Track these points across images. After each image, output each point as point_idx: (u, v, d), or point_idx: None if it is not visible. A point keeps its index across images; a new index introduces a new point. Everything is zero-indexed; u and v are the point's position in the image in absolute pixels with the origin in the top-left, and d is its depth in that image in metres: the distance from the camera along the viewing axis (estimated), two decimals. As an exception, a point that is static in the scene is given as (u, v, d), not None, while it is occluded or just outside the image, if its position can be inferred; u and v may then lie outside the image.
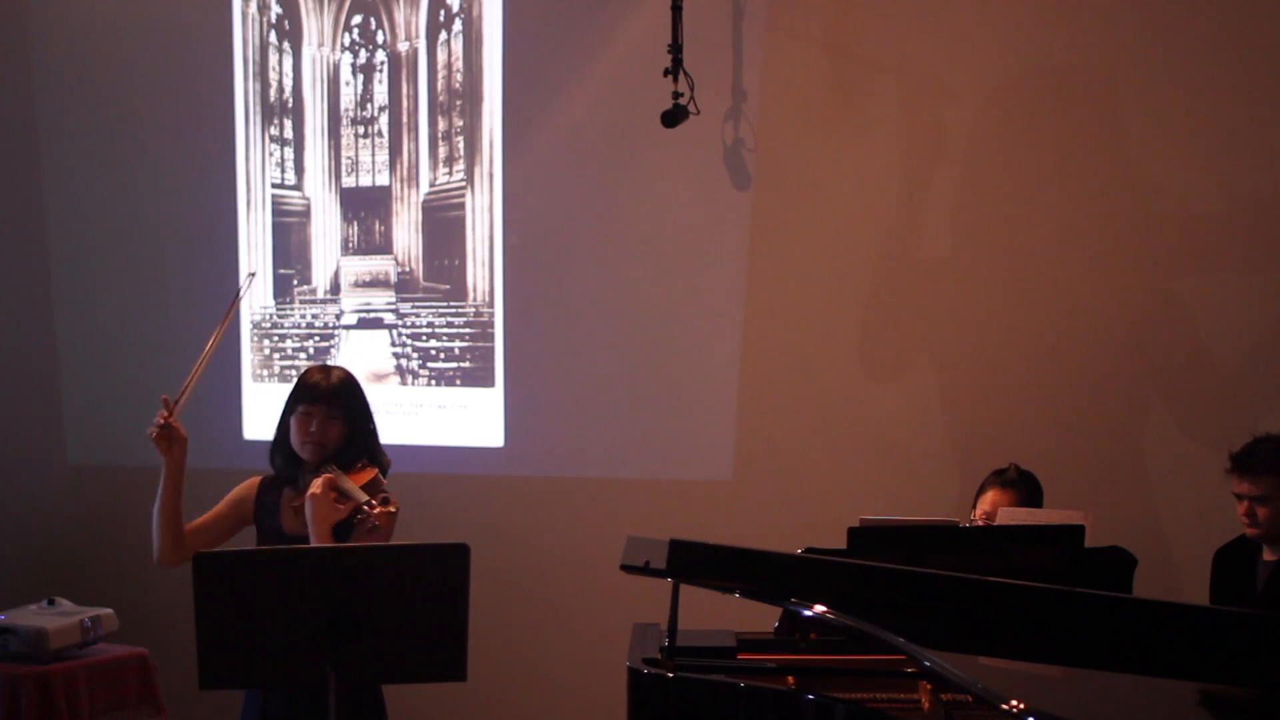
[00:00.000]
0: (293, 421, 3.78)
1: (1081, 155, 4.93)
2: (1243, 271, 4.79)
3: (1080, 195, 4.93)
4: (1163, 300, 4.86)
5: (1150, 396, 4.86)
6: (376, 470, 3.77)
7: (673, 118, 4.99)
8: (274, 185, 5.97)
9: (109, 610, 4.98)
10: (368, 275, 5.85)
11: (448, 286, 5.71)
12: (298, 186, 5.94)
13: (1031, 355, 4.98)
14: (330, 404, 3.76)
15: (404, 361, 5.79)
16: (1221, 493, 4.15)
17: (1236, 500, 4.01)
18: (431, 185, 5.74)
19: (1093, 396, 4.90)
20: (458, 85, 5.67)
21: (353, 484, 3.65)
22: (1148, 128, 4.86)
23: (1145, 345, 4.86)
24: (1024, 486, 4.26)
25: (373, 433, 3.85)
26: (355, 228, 5.87)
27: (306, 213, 5.93)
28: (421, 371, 5.76)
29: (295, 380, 3.87)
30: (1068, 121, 4.92)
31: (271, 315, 5.98)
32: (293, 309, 5.95)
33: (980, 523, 4.22)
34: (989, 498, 4.27)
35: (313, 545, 3.57)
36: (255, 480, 3.89)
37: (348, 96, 5.85)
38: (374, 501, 3.60)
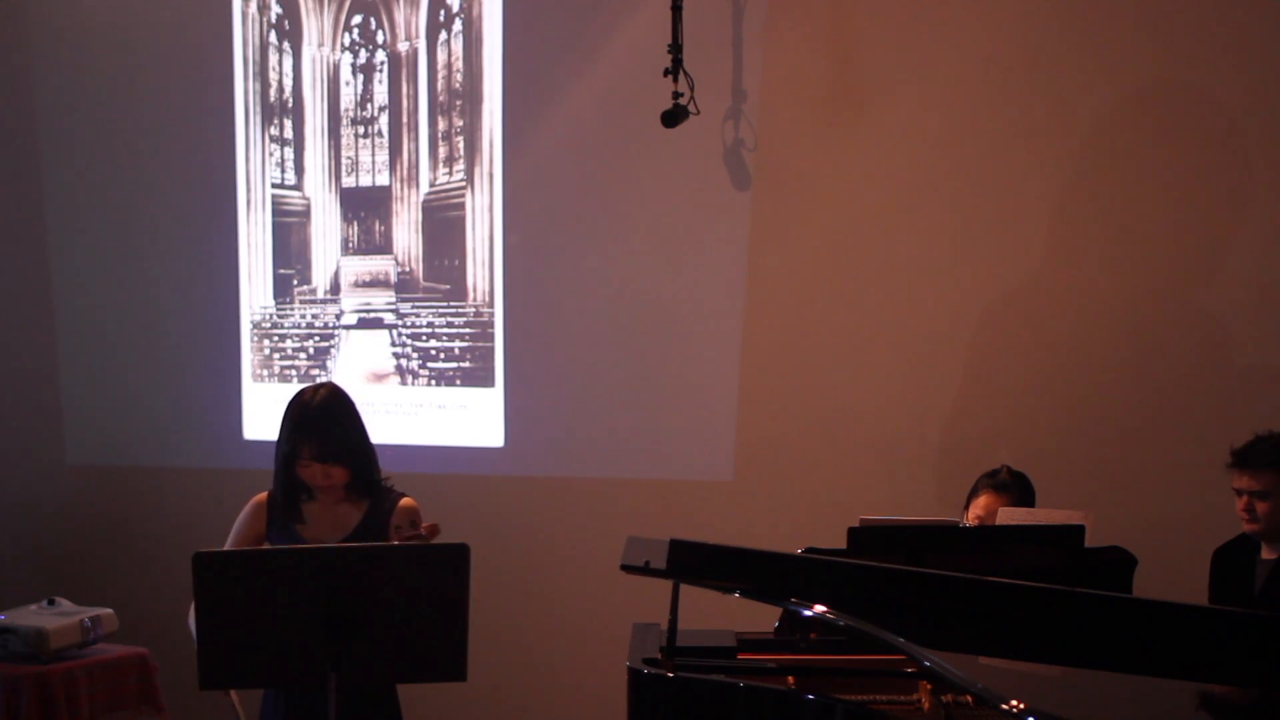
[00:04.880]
0: (298, 468, 3.72)
1: (1081, 154, 4.93)
2: (1243, 271, 4.79)
3: (1081, 194, 4.93)
4: (1163, 300, 4.86)
5: (1150, 396, 4.86)
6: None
7: (673, 118, 4.99)
8: (274, 185, 5.97)
9: (109, 610, 4.98)
10: (368, 275, 5.85)
11: (448, 286, 5.71)
12: (298, 186, 5.94)
13: (1031, 355, 4.98)
14: (330, 457, 3.70)
15: (404, 361, 5.79)
16: (1221, 493, 4.15)
17: (1236, 495, 4.02)
18: (431, 185, 5.74)
19: (1093, 397, 4.90)
20: (458, 85, 5.67)
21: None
22: (1147, 127, 4.86)
23: (1146, 345, 4.87)
24: (1016, 489, 4.25)
25: (372, 456, 3.82)
26: (355, 228, 5.87)
27: (306, 213, 5.93)
28: (421, 371, 5.76)
29: (285, 414, 3.74)
30: (1068, 121, 4.92)
31: (271, 315, 5.98)
32: (293, 309, 5.95)
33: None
34: (981, 501, 4.25)
35: (313, 545, 3.57)
36: (261, 499, 3.81)
37: (348, 96, 5.85)
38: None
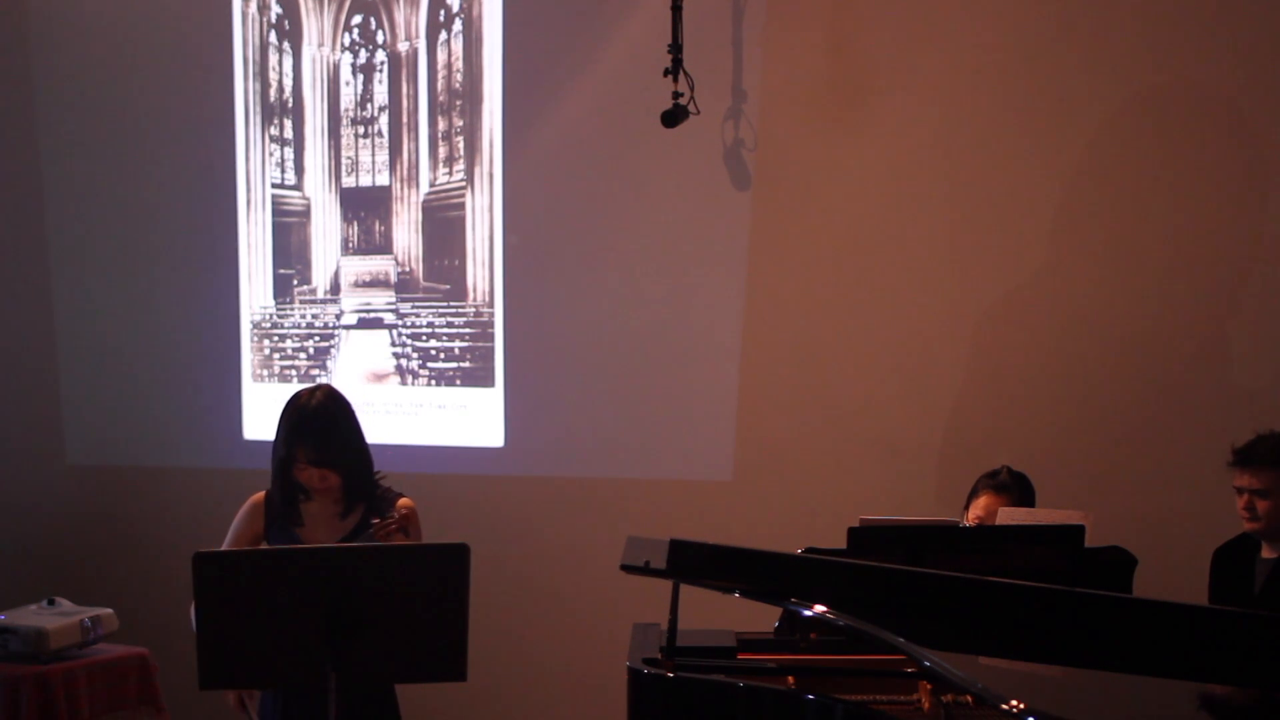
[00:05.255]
0: (295, 471, 3.73)
1: (1080, 154, 4.93)
2: (1243, 271, 4.79)
3: (1082, 194, 4.93)
4: (1163, 300, 4.86)
5: (1150, 396, 4.86)
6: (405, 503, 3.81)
7: (673, 118, 4.99)
8: (274, 185, 5.97)
9: (109, 610, 4.98)
10: (368, 275, 5.85)
11: (448, 286, 5.71)
12: (298, 186, 5.94)
13: (1032, 355, 4.98)
14: (327, 461, 3.71)
15: (404, 361, 5.79)
16: (1221, 493, 4.15)
17: (1237, 494, 4.02)
18: (431, 185, 5.74)
19: (1093, 397, 4.90)
20: (458, 85, 5.67)
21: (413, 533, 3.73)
22: (1149, 126, 4.86)
23: (1145, 345, 4.87)
24: (1016, 489, 4.24)
25: (368, 459, 3.83)
26: (355, 228, 5.87)
27: (306, 213, 5.93)
28: (421, 371, 5.76)
29: (281, 417, 3.75)
30: (1068, 121, 4.92)
31: (271, 315, 5.98)
32: (293, 309, 5.95)
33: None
34: (981, 502, 4.24)
35: (313, 546, 3.57)
36: (259, 499, 3.82)
37: (348, 96, 5.85)
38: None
